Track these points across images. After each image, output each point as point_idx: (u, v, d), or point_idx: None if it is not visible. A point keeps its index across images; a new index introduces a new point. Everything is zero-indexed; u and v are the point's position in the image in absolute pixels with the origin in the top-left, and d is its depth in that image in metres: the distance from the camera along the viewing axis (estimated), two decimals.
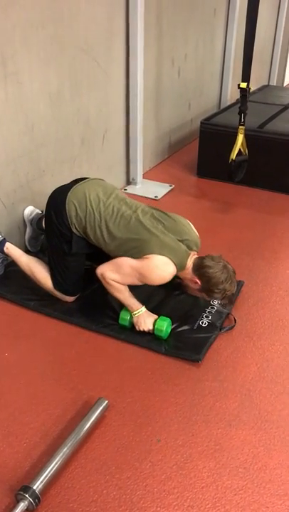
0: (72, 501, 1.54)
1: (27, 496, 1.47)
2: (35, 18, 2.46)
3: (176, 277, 2.39)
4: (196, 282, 2.12)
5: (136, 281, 2.14)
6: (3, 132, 2.48)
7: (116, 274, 2.13)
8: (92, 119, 3.15)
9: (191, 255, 2.16)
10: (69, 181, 2.33)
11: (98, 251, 2.23)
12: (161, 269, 2.08)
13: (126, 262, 2.11)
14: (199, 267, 2.10)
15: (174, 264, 2.08)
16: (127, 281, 2.15)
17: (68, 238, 2.21)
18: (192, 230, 2.27)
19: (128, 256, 2.11)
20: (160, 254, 2.06)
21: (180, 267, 2.11)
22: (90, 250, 2.27)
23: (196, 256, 2.17)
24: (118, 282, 2.14)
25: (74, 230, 2.19)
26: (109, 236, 2.13)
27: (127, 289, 2.18)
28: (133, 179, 3.78)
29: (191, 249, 2.18)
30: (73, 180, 2.33)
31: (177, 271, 2.12)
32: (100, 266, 2.18)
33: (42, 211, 2.73)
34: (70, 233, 2.20)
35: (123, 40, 3.24)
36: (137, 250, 2.09)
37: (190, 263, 2.14)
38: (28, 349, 2.15)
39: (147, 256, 2.07)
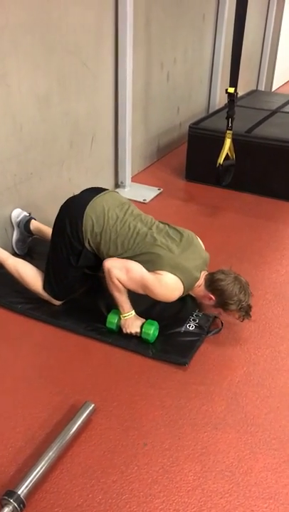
0: (58, 506, 1.53)
1: (11, 500, 1.46)
2: (23, 21, 2.46)
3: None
4: (211, 298, 2.16)
5: (138, 290, 2.14)
6: None
7: (123, 276, 2.10)
8: (80, 122, 3.15)
9: (201, 275, 2.18)
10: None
11: (100, 262, 2.23)
12: (170, 289, 2.09)
13: (138, 270, 2.09)
14: (211, 282, 2.14)
15: (183, 285, 2.09)
16: (129, 286, 2.13)
17: (77, 251, 2.20)
18: (202, 249, 2.29)
19: None
20: (172, 272, 2.06)
21: (187, 288, 2.14)
22: (95, 263, 2.27)
23: (207, 273, 2.20)
24: (122, 283, 2.12)
25: (86, 245, 2.17)
26: (122, 251, 2.13)
27: (126, 291, 2.17)
28: (122, 182, 3.78)
29: (202, 269, 2.20)
30: (88, 190, 2.32)
31: (184, 291, 2.13)
32: (110, 260, 2.14)
33: (29, 213, 2.72)
34: (82, 247, 2.18)
35: (112, 44, 3.25)
36: (150, 264, 2.08)
37: (201, 281, 2.17)
38: (14, 352, 2.14)
39: (160, 272, 2.07)
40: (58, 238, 2.24)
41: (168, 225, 2.26)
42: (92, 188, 2.35)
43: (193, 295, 2.29)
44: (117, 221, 2.16)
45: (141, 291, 2.14)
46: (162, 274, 2.07)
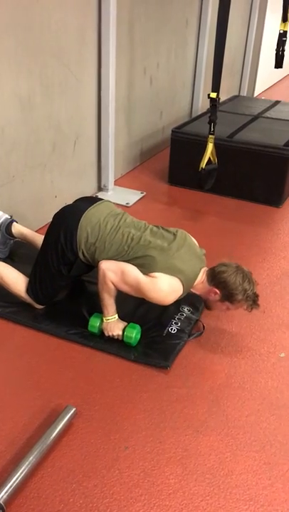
0: (38, 511, 1.52)
1: None
2: (6, 24, 2.45)
3: None
4: (216, 292, 2.12)
5: (131, 292, 2.12)
6: None
7: (118, 278, 2.09)
8: (63, 125, 3.14)
9: (201, 272, 2.17)
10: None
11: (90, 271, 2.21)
12: (164, 291, 2.06)
13: (133, 272, 2.08)
14: (213, 276, 2.12)
15: (182, 285, 2.08)
16: (123, 288, 2.12)
17: (70, 262, 2.19)
18: (197, 246, 2.27)
19: None
20: (168, 273, 2.05)
21: (187, 287, 2.12)
22: (85, 272, 2.26)
23: (206, 269, 2.19)
24: (114, 284, 2.10)
25: (80, 255, 2.16)
26: (118, 258, 2.12)
27: (115, 294, 2.16)
28: (104, 186, 3.78)
29: (200, 266, 2.18)
30: (80, 200, 2.32)
31: (184, 291, 2.11)
32: (105, 262, 2.11)
33: (11, 216, 2.70)
34: (75, 257, 2.17)
35: (95, 48, 3.25)
36: (146, 267, 2.07)
37: (203, 277, 2.16)
38: None
39: (155, 275, 2.06)
40: (50, 246, 2.22)
41: (161, 227, 2.26)
42: (86, 197, 2.35)
43: (197, 293, 2.23)
44: (111, 230, 2.15)
45: (134, 294, 2.12)
46: (157, 276, 2.05)
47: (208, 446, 1.77)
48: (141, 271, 2.07)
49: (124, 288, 2.12)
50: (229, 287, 2.08)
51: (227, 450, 1.76)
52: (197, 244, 2.30)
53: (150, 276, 2.06)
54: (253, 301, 2.12)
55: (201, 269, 2.18)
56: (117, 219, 2.21)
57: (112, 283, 2.10)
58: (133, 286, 2.09)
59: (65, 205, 2.34)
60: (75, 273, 2.24)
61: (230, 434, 1.82)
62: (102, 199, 2.34)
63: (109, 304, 2.16)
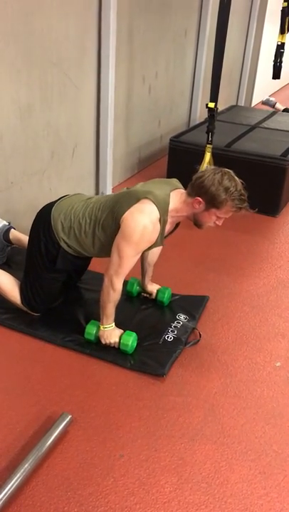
0: None
1: None
2: (6, 32, 2.47)
3: (142, 291, 2.41)
4: (199, 202, 1.98)
5: (136, 256, 2.03)
6: None
7: (119, 268, 2.02)
8: (62, 132, 3.16)
9: (177, 193, 2.06)
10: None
11: (80, 269, 2.20)
12: (137, 218, 1.94)
13: (115, 243, 2.01)
14: (192, 186, 2.00)
15: (154, 202, 1.96)
16: (129, 264, 2.03)
17: (53, 257, 2.19)
18: (169, 180, 2.19)
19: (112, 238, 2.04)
20: (137, 200, 1.96)
21: (163, 205, 1.99)
22: (73, 268, 2.26)
23: (181, 190, 2.10)
24: (122, 274, 2.03)
25: (63, 245, 2.17)
26: (96, 226, 2.08)
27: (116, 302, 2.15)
28: (102, 193, 3.79)
29: (171, 189, 2.07)
30: (59, 198, 2.33)
31: (161, 210, 1.98)
32: (106, 270, 2.06)
33: (9, 222, 2.71)
34: (57, 248, 2.18)
35: (95, 56, 3.28)
36: (116, 215, 1.99)
37: (183, 197, 2.04)
38: None
39: (123, 217, 1.97)
40: (32, 247, 2.25)
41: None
42: (63, 196, 2.35)
43: (183, 216, 2.10)
44: (82, 208, 2.16)
45: (137, 254, 2.03)
46: (124, 217, 1.95)
47: (204, 454, 1.77)
48: (115, 219, 2.01)
49: (129, 262, 2.02)
50: (211, 191, 1.93)
51: (222, 459, 1.76)
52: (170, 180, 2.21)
53: (122, 221, 1.97)
54: (240, 199, 1.97)
55: (171, 191, 2.06)
56: (88, 200, 2.22)
57: (118, 278, 2.04)
58: (126, 252, 1.98)
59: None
60: (61, 266, 2.22)
61: (225, 443, 1.82)
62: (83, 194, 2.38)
63: (111, 313, 2.16)
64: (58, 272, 2.27)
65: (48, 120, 2.98)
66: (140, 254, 2.09)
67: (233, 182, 1.96)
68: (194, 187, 2.00)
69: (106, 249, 2.11)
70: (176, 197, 2.06)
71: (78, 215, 2.15)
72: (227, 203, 1.97)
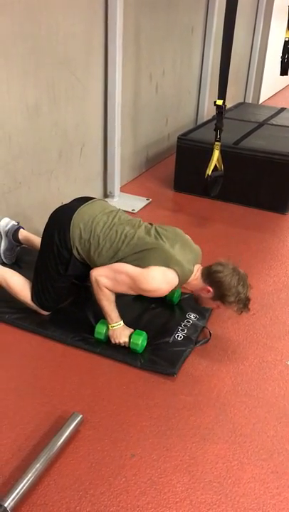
0: None
1: None
2: (14, 32, 2.47)
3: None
4: (209, 290, 2.11)
5: (128, 291, 2.11)
6: None
7: (110, 281, 2.09)
8: (69, 132, 3.16)
9: (196, 268, 2.16)
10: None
11: (88, 271, 2.21)
12: (158, 280, 2.05)
13: (124, 269, 2.08)
14: (209, 274, 2.11)
15: (178, 275, 2.07)
16: (119, 289, 2.12)
17: (66, 260, 2.19)
18: (192, 243, 2.27)
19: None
20: (165, 265, 2.05)
21: (182, 281, 2.10)
22: (83, 273, 2.26)
23: (201, 266, 2.18)
24: (110, 289, 2.11)
25: (74, 253, 2.17)
26: (113, 256, 2.12)
27: (114, 299, 2.17)
28: (110, 192, 3.79)
29: (195, 263, 2.18)
30: (77, 199, 2.33)
31: (179, 283, 2.10)
32: (96, 269, 2.14)
33: (18, 222, 2.72)
34: (70, 255, 2.18)
35: (102, 56, 3.28)
36: (141, 262, 2.06)
37: (198, 274, 2.14)
38: (1, 363, 2.12)
39: (149, 268, 2.05)
40: (46, 247, 2.24)
41: (155, 225, 2.25)
42: (81, 197, 2.36)
43: (188, 289, 2.24)
44: (104, 227, 2.16)
45: (132, 292, 2.12)
46: (149, 267, 2.04)
47: (215, 454, 1.76)
48: (137, 265, 2.06)
49: (120, 288, 2.12)
50: (223, 288, 2.06)
51: (234, 458, 1.75)
52: (192, 241, 2.30)
53: (145, 268, 2.05)
54: (244, 304, 2.11)
55: (194, 265, 2.16)
56: (110, 216, 2.21)
57: (107, 287, 2.11)
58: (127, 283, 2.08)
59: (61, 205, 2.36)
60: (72, 272, 2.23)
61: (237, 442, 1.81)
62: (96, 198, 2.36)
63: (111, 310, 2.17)
64: (70, 276, 2.27)
65: (55, 120, 2.98)
66: None
67: (245, 289, 2.09)
68: (210, 277, 2.10)
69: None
70: (194, 273, 2.15)
71: (99, 234, 2.13)
72: (232, 304, 2.11)
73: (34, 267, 2.32)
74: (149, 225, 2.24)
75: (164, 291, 2.11)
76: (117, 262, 2.11)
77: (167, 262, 2.06)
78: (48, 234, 2.23)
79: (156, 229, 2.20)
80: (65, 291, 2.36)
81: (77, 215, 2.18)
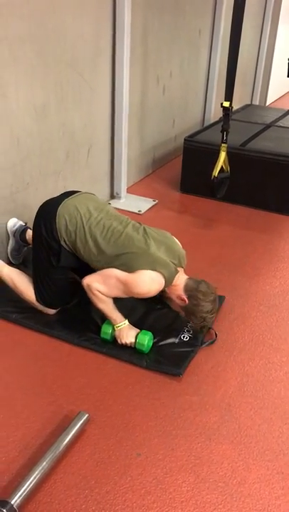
0: None
1: (4, 510, 1.46)
2: (22, 34, 2.49)
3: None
4: (184, 300, 2.16)
5: (121, 294, 2.15)
6: None
7: (102, 286, 2.13)
8: (77, 133, 3.18)
9: (180, 272, 2.20)
10: (54, 195, 2.34)
11: (85, 265, 2.24)
12: (147, 284, 2.09)
13: (113, 274, 2.11)
14: (193, 289, 2.16)
15: (165, 278, 2.11)
16: (112, 293, 2.15)
17: (56, 251, 2.21)
18: (179, 246, 2.30)
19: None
20: (151, 269, 2.08)
21: (168, 282, 2.14)
22: (78, 265, 2.27)
23: (188, 276, 2.21)
24: (103, 294, 2.15)
25: (63, 244, 2.19)
26: (98, 251, 2.13)
27: (112, 301, 2.19)
28: (117, 193, 3.80)
29: (180, 265, 2.21)
30: (63, 193, 2.34)
31: (165, 285, 2.14)
32: (87, 276, 2.17)
33: (25, 223, 2.73)
34: (59, 246, 2.20)
35: (109, 57, 3.29)
36: (130, 265, 2.09)
37: (181, 280, 2.18)
38: (8, 362, 2.13)
39: (137, 272, 2.08)
40: (36, 241, 2.27)
41: (144, 225, 2.27)
42: (68, 191, 2.36)
43: (167, 291, 2.24)
44: (90, 219, 2.17)
45: (124, 295, 2.15)
46: (138, 272, 2.08)
47: (221, 454, 1.76)
48: (125, 269, 2.10)
49: (113, 292, 2.15)
50: (197, 308, 2.15)
51: (240, 459, 1.75)
52: (180, 245, 2.32)
53: (133, 273, 2.08)
54: (200, 328, 2.26)
55: (178, 268, 2.20)
56: (97, 209, 2.23)
57: (100, 291, 2.14)
58: (119, 287, 2.11)
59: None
60: (65, 263, 2.24)
61: (242, 443, 1.81)
62: (84, 191, 2.39)
63: (110, 312, 2.19)
64: (63, 267, 2.28)
65: (63, 121, 3.00)
66: None
67: (211, 319, 2.21)
68: (192, 292, 2.15)
69: (97, 265, 2.19)
70: (177, 276, 2.19)
71: (85, 226, 2.15)
72: (194, 322, 2.22)
73: (31, 264, 2.35)
74: (138, 224, 2.26)
75: (154, 293, 2.14)
76: (102, 257, 2.13)
77: (154, 265, 2.09)
78: (35, 228, 2.26)
79: (144, 228, 2.22)
80: (65, 284, 2.35)
81: (62, 207, 2.20)
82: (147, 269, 2.08)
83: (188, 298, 2.15)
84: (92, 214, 2.19)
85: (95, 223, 2.16)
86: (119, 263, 2.11)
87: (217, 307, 2.23)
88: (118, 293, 2.14)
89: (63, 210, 2.19)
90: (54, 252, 2.21)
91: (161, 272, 2.10)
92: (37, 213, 2.28)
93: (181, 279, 2.19)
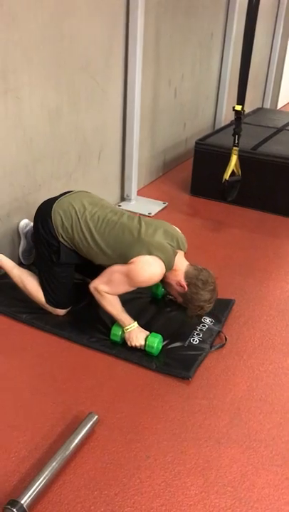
0: None
1: (14, 510, 1.46)
2: (36, 37, 2.51)
3: (167, 294, 2.42)
4: (183, 287, 2.16)
5: (128, 288, 2.15)
6: (1, 146, 2.51)
7: (107, 285, 2.15)
8: (89, 136, 3.19)
9: (179, 254, 2.20)
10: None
11: (88, 263, 2.25)
12: (148, 269, 2.08)
13: (114, 269, 2.14)
14: (194, 277, 2.15)
15: (163, 261, 2.10)
16: (119, 290, 2.16)
17: (56, 248, 2.24)
18: (176, 230, 2.30)
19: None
20: (149, 254, 2.08)
21: (168, 264, 2.13)
22: (79, 261, 2.29)
23: (189, 263, 2.21)
24: (111, 293, 2.15)
25: (61, 240, 2.21)
26: (95, 244, 2.16)
27: (120, 303, 2.20)
28: (127, 196, 3.81)
29: (178, 248, 2.21)
30: (61, 194, 2.37)
31: (166, 268, 2.13)
32: (93, 281, 2.20)
33: None
34: (58, 243, 2.22)
35: (122, 60, 3.31)
36: (124, 258, 2.11)
37: (182, 266, 2.18)
38: (18, 362, 2.15)
39: (134, 259, 2.09)
40: (37, 240, 2.31)
41: (140, 216, 2.29)
42: (66, 191, 2.40)
43: (167, 276, 2.21)
44: (85, 213, 2.20)
45: (131, 288, 2.16)
46: (136, 259, 2.08)
47: (230, 458, 1.76)
48: (123, 261, 2.11)
49: (120, 288, 2.16)
50: (195, 296, 2.14)
51: (249, 463, 1.75)
52: (179, 230, 2.33)
53: (131, 262, 2.09)
54: (196, 316, 2.26)
55: (178, 251, 2.19)
56: (91, 204, 2.26)
57: (108, 292, 2.16)
58: (123, 280, 2.12)
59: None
60: (66, 260, 2.26)
61: (252, 447, 1.81)
62: (87, 191, 2.42)
63: (119, 314, 2.19)
64: (65, 264, 2.30)
65: (75, 124, 3.01)
66: None
67: (208, 307, 2.20)
68: (193, 280, 2.15)
69: (97, 259, 2.21)
70: (177, 259, 2.18)
71: (80, 221, 2.17)
72: (191, 309, 2.21)
73: (37, 266, 2.38)
74: (132, 215, 2.27)
75: (159, 277, 2.13)
76: (99, 250, 2.15)
77: (150, 249, 2.09)
78: (35, 228, 2.30)
79: (140, 217, 2.24)
80: (69, 282, 2.35)
81: (56, 204, 2.24)
82: (144, 255, 2.08)
83: (188, 285, 2.15)
84: (87, 208, 2.22)
85: (89, 216, 2.19)
86: (117, 254, 2.13)
87: (215, 297, 2.20)
88: (124, 287, 2.15)
89: (58, 207, 2.23)
90: (54, 249, 2.24)
91: (158, 256, 2.09)
92: (35, 214, 2.32)
93: (182, 263, 2.19)
